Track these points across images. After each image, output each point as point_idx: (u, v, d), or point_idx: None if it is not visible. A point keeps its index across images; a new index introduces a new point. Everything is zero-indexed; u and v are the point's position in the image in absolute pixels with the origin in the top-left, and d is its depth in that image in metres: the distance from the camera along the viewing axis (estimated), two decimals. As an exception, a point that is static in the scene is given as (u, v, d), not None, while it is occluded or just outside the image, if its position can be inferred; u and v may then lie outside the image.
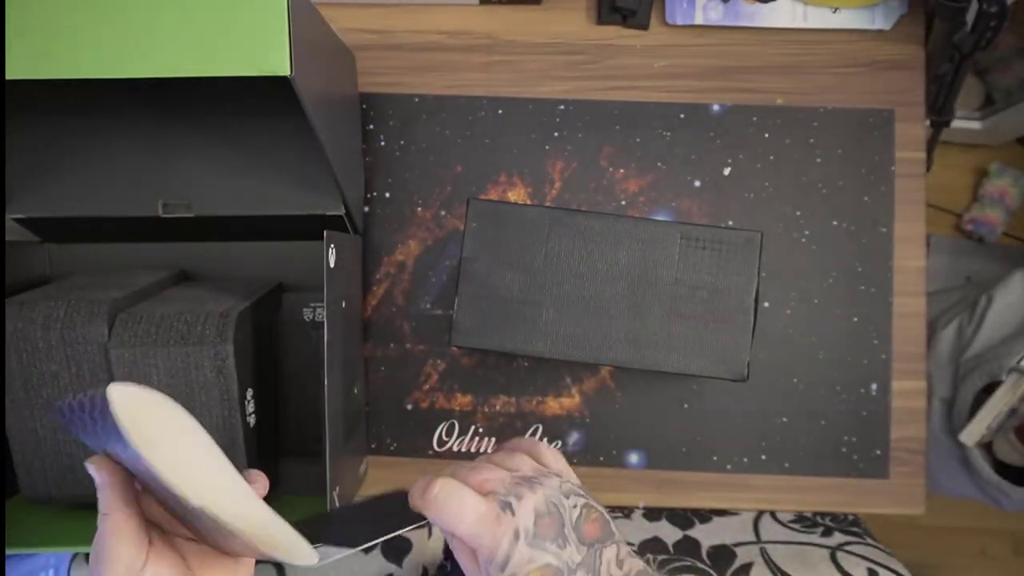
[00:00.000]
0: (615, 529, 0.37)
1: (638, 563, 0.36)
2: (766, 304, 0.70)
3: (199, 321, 0.56)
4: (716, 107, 0.71)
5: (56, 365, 0.55)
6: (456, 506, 0.34)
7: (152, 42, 0.43)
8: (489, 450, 0.70)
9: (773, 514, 0.73)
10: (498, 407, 0.70)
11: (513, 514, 0.34)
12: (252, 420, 0.58)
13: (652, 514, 0.72)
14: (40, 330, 0.55)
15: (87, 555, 0.65)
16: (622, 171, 0.71)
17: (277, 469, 0.66)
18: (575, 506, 0.35)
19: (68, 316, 0.55)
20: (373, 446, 0.70)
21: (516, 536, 0.33)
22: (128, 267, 0.68)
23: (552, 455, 0.40)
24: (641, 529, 0.70)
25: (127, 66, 0.43)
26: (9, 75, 0.43)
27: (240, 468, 0.36)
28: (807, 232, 0.70)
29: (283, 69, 0.43)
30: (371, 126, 0.72)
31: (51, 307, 0.55)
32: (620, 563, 0.35)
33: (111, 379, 0.55)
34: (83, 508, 0.61)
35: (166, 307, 0.57)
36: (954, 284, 1.31)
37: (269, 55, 0.43)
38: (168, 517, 0.37)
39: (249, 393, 0.58)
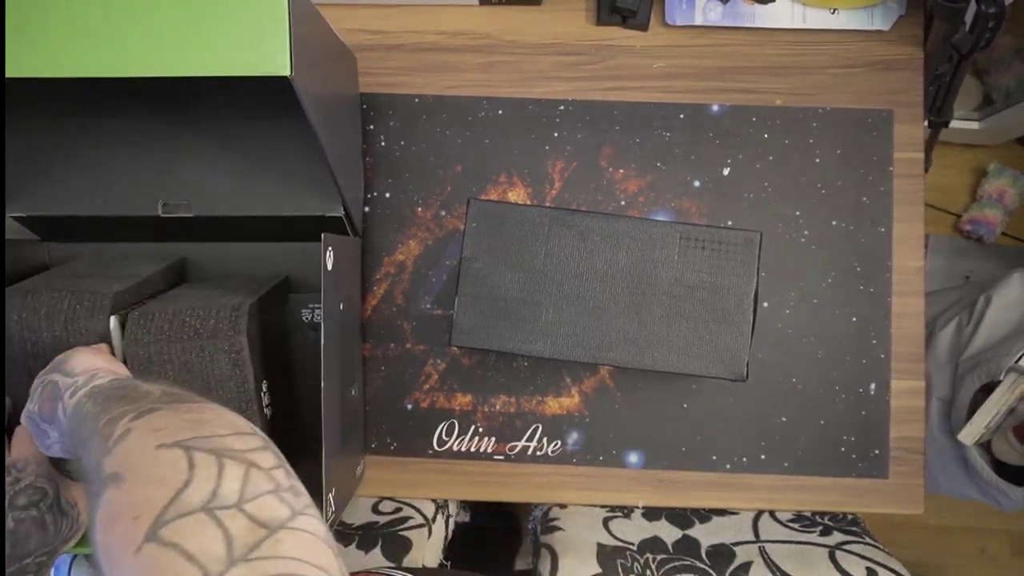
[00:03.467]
0: (62, 384, 0.46)
1: (74, 399, 0.44)
2: (765, 304, 0.70)
3: (211, 315, 0.56)
4: (715, 107, 0.71)
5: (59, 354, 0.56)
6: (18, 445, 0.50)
7: (153, 42, 0.43)
8: (490, 450, 0.70)
9: (772, 513, 0.73)
10: (498, 407, 0.70)
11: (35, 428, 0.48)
12: (269, 412, 0.58)
13: (652, 514, 0.73)
14: (44, 320, 0.55)
15: (88, 555, 0.65)
16: (622, 171, 0.71)
17: (295, 461, 0.66)
18: (35, 402, 0.48)
19: (71, 308, 0.55)
20: (373, 446, 0.70)
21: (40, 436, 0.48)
22: (125, 254, 0.68)
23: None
24: (641, 529, 0.70)
25: (128, 65, 0.43)
26: (9, 73, 0.43)
27: None
28: (806, 232, 0.70)
29: (283, 69, 0.43)
30: (371, 126, 0.72)
31: (55, 298, 0.56)
32: (66, 412, 0.44)
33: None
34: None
35: (177, 304, 0.57)
36: (953, 284, 1.31)
37: (269, 55, 0.43)
38: None
39: (264, 385, 0.58)
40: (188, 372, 0.55)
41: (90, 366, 0.48)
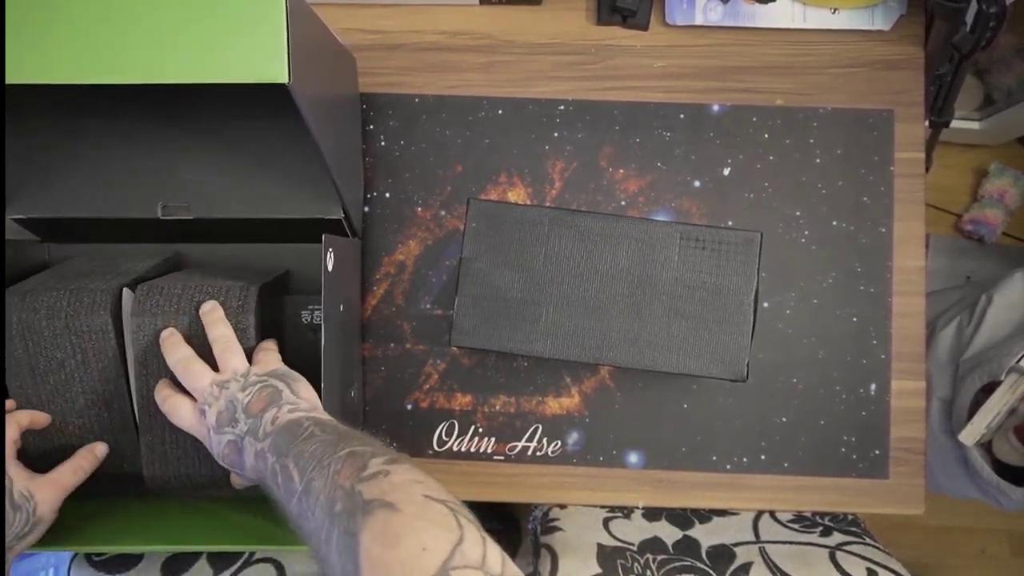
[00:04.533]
0: (287, 396, 0.51)
1: (292, 415, 0.49)
2: (766, 304, 0.70)
3: (221, 293, 0.57)
4: (716, 107, 0.71)
5: (62, 353, 0.56)
6: (179, 416, 0.53)
7: (150, 49, 0.43)
8: (490, 450, 0.70)
9: (773, 514, 0.73)
10: (498, 407, 0.70)
11: (205, 416, 0.52)
12: None
13: (652, 514, 0.72)
14: (44, 319, 0.56)
15: (87, 555, 0.65)
16: (622, 171, 0.71)
17: None
18: (249, 393, 0.51)
19: (72, 306, 0.56)
20: (373, 446, 0.70)
21: (209, 430, 0.51)
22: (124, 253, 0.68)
23: (260, 354, 0.55)
24: (641, 529, 0.70)
25: (125, 72, 0.43)
26: (9, 80, 0.43)
27: None
28: (807, 232, 0.70)
29: (281, 77, 0.43)
30: (371, 126, 0.72)
31: (54, 297, 0.56)
32: (275, 420, 0.49)
33: (122, 358, 0.57)
34: (83, 506, 0.61)
35: (187, 280, 0.58)
36: (953, 284, 1.31)
37: (267, 63, 0.43)
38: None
39: None
40: (190, 344, 0.56)
41: (314, 400, 0.53)
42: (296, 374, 0.54)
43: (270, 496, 0.47)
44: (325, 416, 0.50)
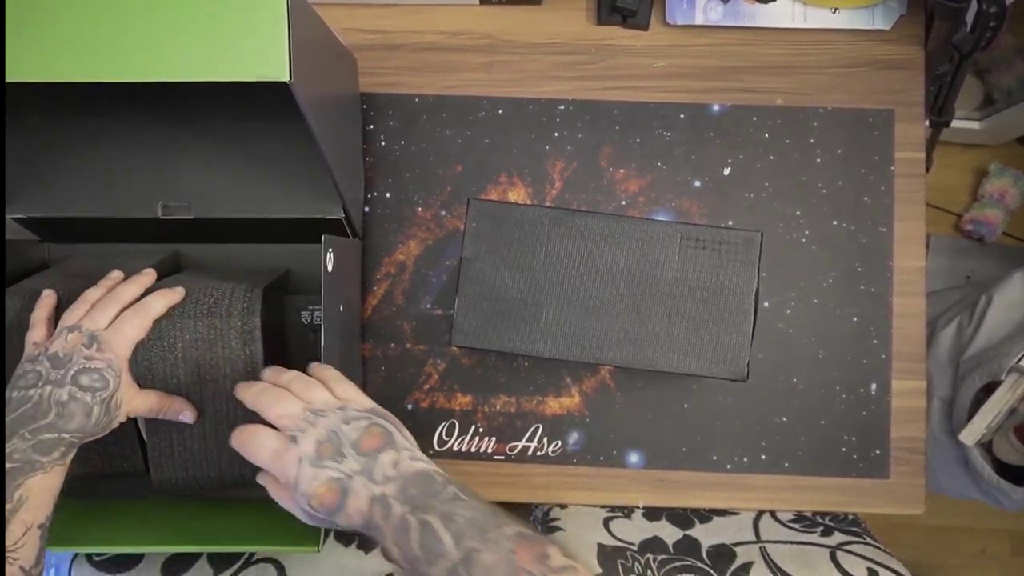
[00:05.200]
0: (400, 440, 0.46)
1: (417, 465, 0.45)
2: (766, 304, 0.70)
3: (225, 295, 0.57)
4: (716, 107, 0.71)
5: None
6: (255, 447, 0.45)
7: (151, 47, 0.43)
8: (490, 450, 0.70)
9: (773, 514, 0.73)
10: (498, 407, 0.70)
11: (297, 444, 0.44)
12: None
13: (652, 514, 0.72)
14: None
15: (87, 555, 0.65)
16: (622, 171, 0.71)
17: None
18: (355, 428, 0.45)
19: None
20: (373, 446, 0.70)
21: (299, 461, 0.44)
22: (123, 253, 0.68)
23: (342, 388, 0.50)
24: (641, 529, 0.70)
25: (126, 70, 0.43)
26: (9, 78, 0.42)
27: None
28: (807, 232, 0.70)
29: (282, 75, 0.43)
30: (371, 126, 0.72)
31: (58, 298, 0.56)
32: (396, 464, 0.44)
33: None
34: (83, 506, 0.61)
35: (189, 283, 0.58)
36: (954, 284, 1.31)
37: (268, 60, 0.43)
38: None
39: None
40: (197, 348, 0.56)
41: (415, 446, 0.48)
42: (391, 415, 0.49)
43: (377, 542, 0.43)
44: (447, 475, 0.46)
